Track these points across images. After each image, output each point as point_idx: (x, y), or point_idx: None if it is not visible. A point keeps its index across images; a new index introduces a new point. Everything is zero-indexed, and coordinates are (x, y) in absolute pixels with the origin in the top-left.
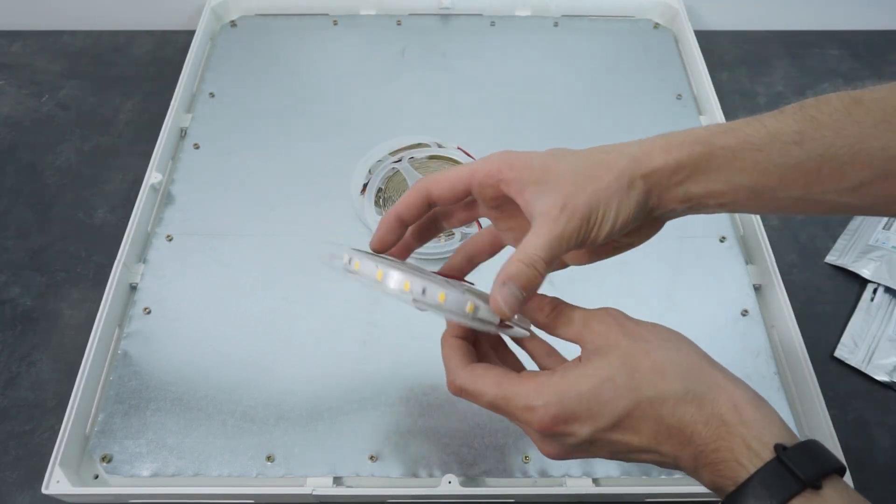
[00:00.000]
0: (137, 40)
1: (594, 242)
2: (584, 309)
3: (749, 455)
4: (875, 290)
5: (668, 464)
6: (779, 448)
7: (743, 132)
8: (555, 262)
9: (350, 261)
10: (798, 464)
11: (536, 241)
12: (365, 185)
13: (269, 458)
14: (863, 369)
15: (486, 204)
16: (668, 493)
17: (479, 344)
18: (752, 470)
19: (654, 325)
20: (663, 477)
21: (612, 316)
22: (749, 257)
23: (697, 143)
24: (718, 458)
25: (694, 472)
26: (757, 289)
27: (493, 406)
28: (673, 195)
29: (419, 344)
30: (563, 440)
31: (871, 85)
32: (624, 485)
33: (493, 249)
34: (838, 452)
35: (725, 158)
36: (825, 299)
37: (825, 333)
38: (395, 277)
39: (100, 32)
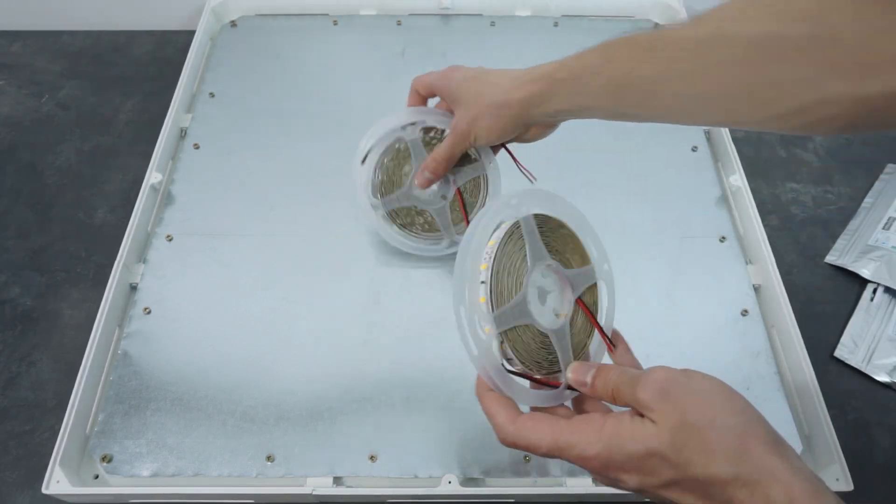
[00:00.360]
0: (137, 40)
1: (480, 145)
2: (637, 371)
3: None
4: (875, 290)
5: None
6: None
7: (569, 68)
8: (453, 158)
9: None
10: None
11: (440, 148)
12: (366, 155)
13: (269, 458)
14: (863, 369)
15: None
16: None
17: None
18: None
19: (709, 387)
20: None
21: (668, 379)
22: (749, 257)
23: (543, 78)
24: None
25: None
26: (757, 289)
27: (549, 455)
28: (538, 111)
29: (419, 344)
30: (614, 482)
31: None
32: None
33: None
34: (837, 453)
35: (559, 87)
36: (825, 299)
37: (825, 333)
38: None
39: (100, 32)
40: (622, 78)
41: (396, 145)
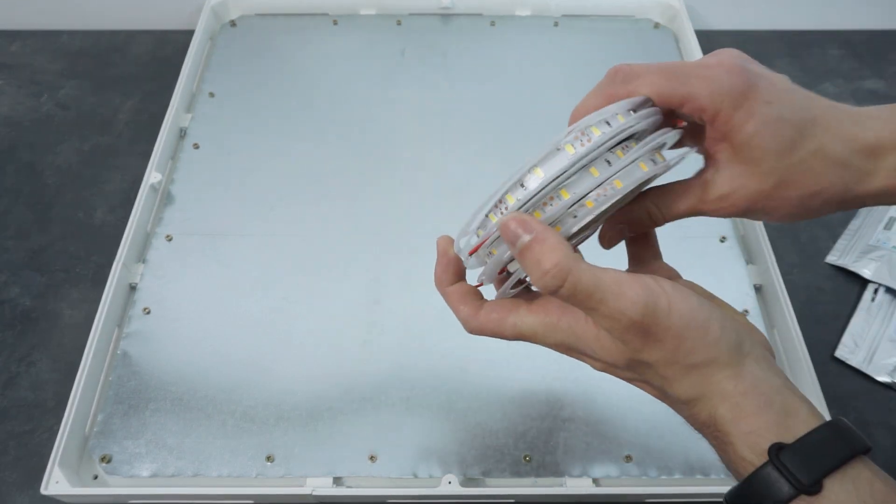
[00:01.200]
0: (137, 40)
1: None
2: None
3: (743, 463)
4: (876, 291)
5: None
6: (772, 451)
7: None
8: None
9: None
10: (797, 464)
11: (678, 205)
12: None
13: (268, 459)
14: (863, 369)
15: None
16: (669, 494)
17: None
18: (745, 476)
19: (680, 307)
20: (663, 477)
21: (637, 325)
22: (749, 257)
23: None
24: (720, 452)
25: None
26: (757, 289)
27: (513, 338)
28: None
29: (419, 344)
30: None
31: (871, 84)
32: (624, 485)
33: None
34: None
35: None
36: (826, 299)
37: (826, 334)
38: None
39: (99, 32)
40: None
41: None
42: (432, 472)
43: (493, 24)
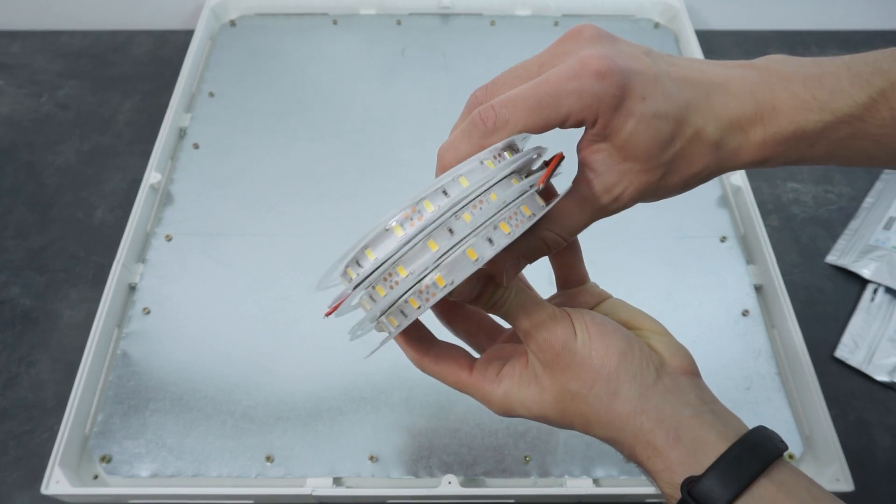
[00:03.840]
0: (136, 40)
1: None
2: (531, 322)
3: (669, 498)
4: (875, 291)
5: None
6: (684, 488)
7: (864, 122)
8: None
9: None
10: (707, 496)
11: (572, 219)
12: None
13: (268, 459)
14: (863, 369)
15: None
16: None
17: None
18: None
19: (590, 353)
20: None
21: (552, 345)
22: (750, 257)
23: (802, 139)
24: (656, 486)
25: None
26: (758, 289)
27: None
28: (783, 159)
29: None
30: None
31: None
32: (624, 485)
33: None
34: (838, 453)
35: (824, 153)
36: (826, 299)
37: (826, 333)
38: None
39: (99, 32)
40: None
41: None
42: (432, 472)
43: (493, 23)
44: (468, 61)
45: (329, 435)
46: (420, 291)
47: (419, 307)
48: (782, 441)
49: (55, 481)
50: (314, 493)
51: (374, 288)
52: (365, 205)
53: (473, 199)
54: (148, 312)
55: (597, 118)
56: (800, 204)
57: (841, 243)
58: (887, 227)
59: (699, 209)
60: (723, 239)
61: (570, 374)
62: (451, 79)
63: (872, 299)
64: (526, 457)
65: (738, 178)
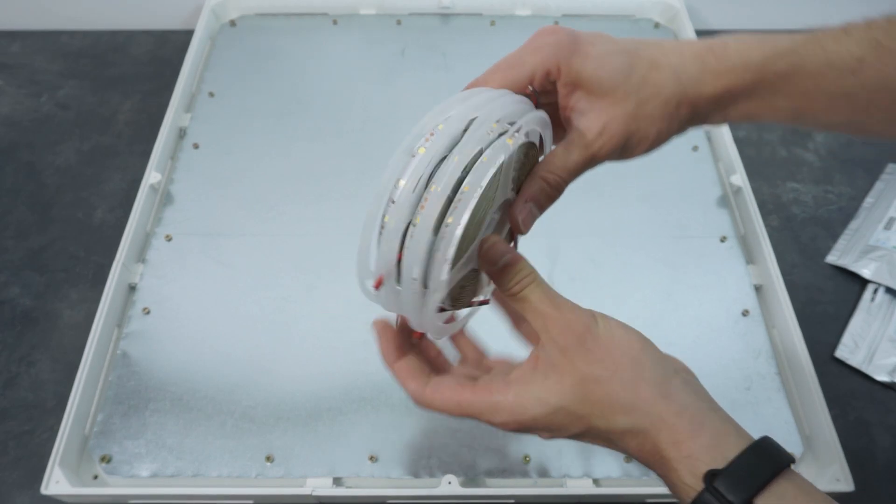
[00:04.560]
0: (136, 40)
1: (626, 159)
2: (550, 304)
3: (686, 489)
4: (875, 291)
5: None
6: (707, 478)
7: (801, 55)
8: (574, 178)
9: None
10: (729, 488)
11: (566, 159)
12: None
13: (268, 459)
14: (863, 370)
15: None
16: (668, 494)
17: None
18: (689, 503)
19: (612, 341)
20: None
21: (573, 329)
22: (750, 257)
23: (750, 69)
24: (668, 484)
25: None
26: (758, 289)
27: (458, 415)
28: (714, 117)
29: None
30: (529, 434)
31: None
32: (624, 485)
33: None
34: (838, 453)
35: (774, 85)
36: (826, 299)
37: (826, 334)
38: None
39: (99, 32)
40: None
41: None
42: (432, 472)
43: (493, 23)
44: (468, 61)
45: (329, 435)
46: (453, 205)
47: (453, 221)
48: (789, 453)
49: (55, 481)
50: (314, 493)
51: (413, 225)
52: (365, 205)
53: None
54: (148, 312)
55: (559, 66)
56: (800, 204)
57: (841, 243)
58: (887, 227)
59: (699, 209)
60: (723, 239)
61: (593, 357)
62: (451, 79)
63: (872, 299)
64: (526, 457)
65: (738, 178)
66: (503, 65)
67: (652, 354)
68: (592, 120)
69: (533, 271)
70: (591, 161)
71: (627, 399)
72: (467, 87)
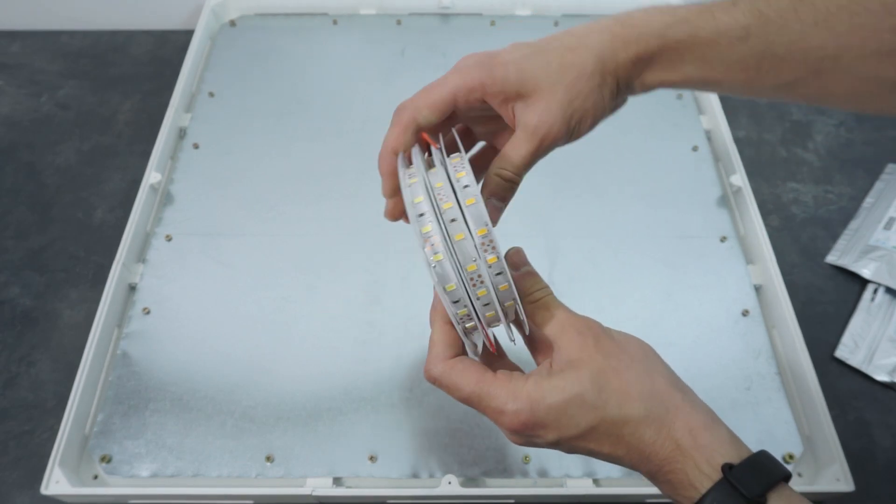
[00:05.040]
0: (136, 40)
1: (575, 139)
2: (567, 311)
3: (701, 477)
4: (875, 291)
5: (631, 469)
6: (725, 469)
7: (695, 24)
8: (528, 169)
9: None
10: (743, 482)
11: (518, 152)
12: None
13: (268, 459)
14: (863, 370)
15: (468, 115)
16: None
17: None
18: (703, 491)
19: (626, 340)
20: None
21: (591, 328)
22: (750, 257)
23: (653, 36)
24: (675, 479)
25: (653, 482)
26: (758, 289)
27: (467, 402)
28: (634, 83)
29: (419, 344)
30: (529, 439)
31: None
32: (624, 485)
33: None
34: (838, 453)
35: (677, 52)
36: (826, 299)
37: (826, 334)
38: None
39: (99, 32)
40: (784, 48)
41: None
42: (432, 472)
43: (493, 23)
44: None
45: (329, 435)
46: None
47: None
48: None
49: (55, 481)
50: (314, 493)
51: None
52: (365, 205)
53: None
54: (148, 312)
55: (482, 81)
56: (800, 204)
57: (841, 243)
58: (887, 227)
59: (699, 209)
60: (723, 239)
61: (609, 351)
62: None
63: (872, 299)
64: (526, 457)
65: (738, 178)
66: (428, 87)
67: (659, 359)
68: (531, 115)
69: (549, 290)
70: (539, 150)
71: (644, 387)
72: (398, 109)
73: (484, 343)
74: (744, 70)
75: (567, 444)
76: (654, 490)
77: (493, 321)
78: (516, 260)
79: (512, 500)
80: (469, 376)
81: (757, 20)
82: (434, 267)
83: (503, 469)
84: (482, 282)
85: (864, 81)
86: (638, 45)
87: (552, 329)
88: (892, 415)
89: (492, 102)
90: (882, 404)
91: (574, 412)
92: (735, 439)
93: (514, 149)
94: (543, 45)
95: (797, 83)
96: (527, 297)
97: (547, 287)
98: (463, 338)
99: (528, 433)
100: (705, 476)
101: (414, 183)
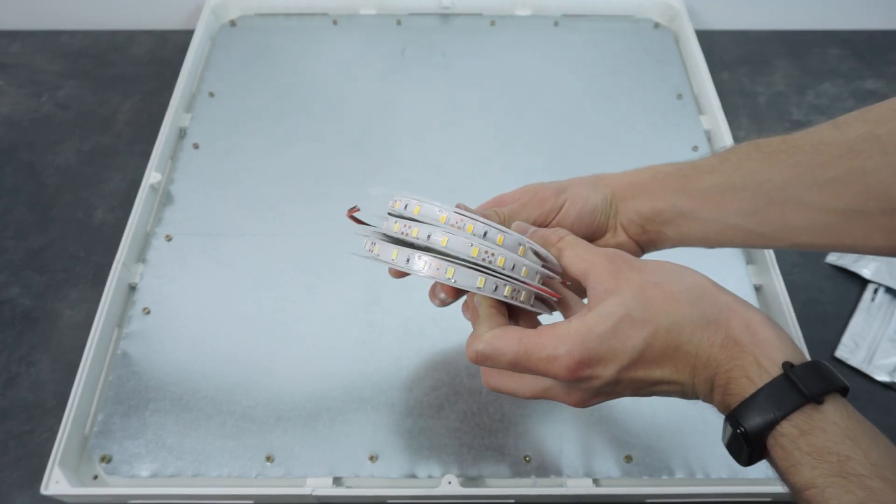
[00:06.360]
0: (136, 40)
1: (567, 215)
2: (589, 246)
3: (759, 372)
4: (876, 291)
5: (688, 392)
6: (786, 365)
7: (678, 165)
8: (514, 220)
9: (372, 246)
10: (803, 380)
11: (510, 205)
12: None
13: (268, 459)
14: (863, 370)
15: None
16: (669, 494)
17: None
18: (760, 385)
19: (659, 261)
20: (664, 477)
21: (619, 254)
22: (750, 257)
23: (647, 171)
24: (731, 376)
25: (708, 396)
26: (758, 289)
27: (516, 363)
28: (629, 206)
29: (419, 344)
30: (588, 384)
31: (871, 84)
32: (624, 485)
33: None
34: None
35: (662, 182)
36: (826, 299)
37: (826, 334)
38: (420, 264)
39: (99, 32)
40: (740, 180)
41: None
42: (432, 472)
43: (493, 23)
44: (468, 61)
45: (329, 435)
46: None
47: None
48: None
49: (55, 481)
50: (314, 493)
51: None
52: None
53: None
54: (148, 312)
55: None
56: None
57: None
58: None
59: None
60: None
61: (646, 269)
62: (451, 79)
63: (873, 299)
64: (526, 457)
65: None
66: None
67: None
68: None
69: (567, 231)
70: (530, 206)
71: (692, 292)
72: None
73: (548, 298)
74: (711, 199)
75: (628, 379)
76: (654, 490)
77: (528, 278)
78: (519, 228)
79: (512, 500)
80: (510, 337)
81: (720, 161)
82: (454, 280)
83: (503, 469)
84: (494, 256)
85: (815, 211)
86: (629, 176)
87: (581, 266)
88: (892, 415)
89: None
90: (882, 404)
91: (626, 332)
92: (793, 343)
93: (510, 205)
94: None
95: (758, 211)
96: (550, 248)
97: (560, 230)
98: (530, 308)
99: (587, 373)
100: (764, 371)
101: (396, 227)
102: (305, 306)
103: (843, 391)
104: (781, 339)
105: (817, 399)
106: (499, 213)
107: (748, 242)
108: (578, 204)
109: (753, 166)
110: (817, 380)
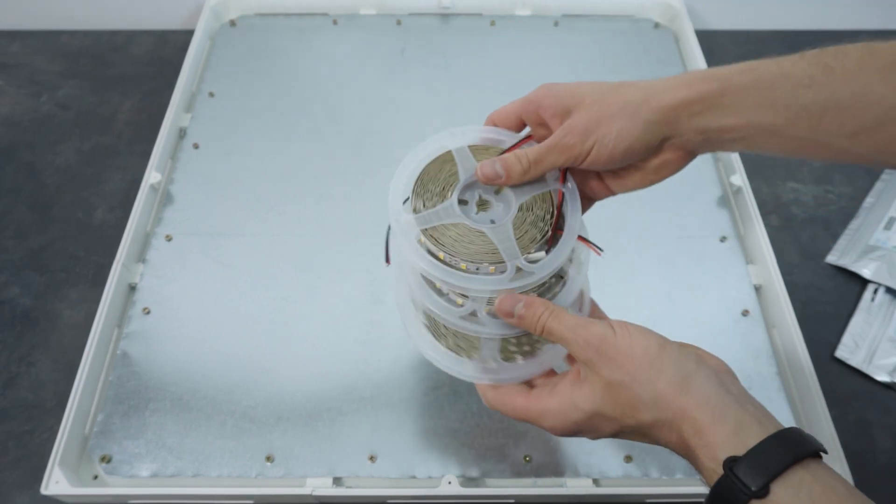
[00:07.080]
0: (136, 40)
1: (597, 160)
2: (571, 323)
3: (710, 473)
4: (876, 291)
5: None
6: (727, 464)
7: (758, 72)
8: (542, 166)
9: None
10: (746, 475)
11: (536, 147)
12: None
13: (268, 459)
14: (863, 370)
15: (533, 127)
16: (668, 494)
17: None
18: (712, 485)
19: (631, 346)
20: (664, 478)
21: (592, 345)
22: (749, 257)
23: (714, 80)
24: (696, 467)
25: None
26: (758, 289)
27: (515, 418)
28: (687, 126)
29: None
30: (578, 436)
31: None
32: (624, 485)
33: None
34: (838, 453)
35: (738, 95)
36: (826, 299)
37: (826, 334)
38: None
39: (99, 32)
40: (849, 97)
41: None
42: (432, 472)
43: (493, 23)
44: (468, 61)
45: (329, 435)
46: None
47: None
48: (820, 443)
49: (55, 481)
50: (314, 493)
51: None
52: (365, 205)
53: None
54: (148, 312)
55: (539, 98)
56: (800, 204)
57: (841, 243)
58: (887, 227)
59: (699, 209)
60: (723, 239)
61: (614, 365)
62: (451, 79)
63: (873, 299)
64: (526, 457)
65: (738, 178)
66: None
67: (670, 354)
68: (567, 122)
69: (547, 305)
70: (553, 151)
71: (649, 397)
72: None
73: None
74: (808, 117)
75: (609, 437)
76: (653, 490)
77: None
78: (505, 308)
79: (512, 500)
80: (507, 405)
81: (822, 71)
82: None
83: (503, 469)
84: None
85: None
86: (691, 87)
87: (565, 346)
88: (892, 415)
89: (545, 116)
90: (882, 404)
91: (598, 423)
92: (743, 431)
93: (538, 146)
94: (605, 83)
95: (860, 133)
96: (534, 333)
97: (545, 311)
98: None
99: (570, 435)
100: (713, 472)
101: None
102: (305, 306)
103: (798, 460)
104: (727, 435)
105: (760, 493)
106: (521, 161)
107: (835, 159)
108: (609, 146)
109: (867, 80)
110: (760, 471)
